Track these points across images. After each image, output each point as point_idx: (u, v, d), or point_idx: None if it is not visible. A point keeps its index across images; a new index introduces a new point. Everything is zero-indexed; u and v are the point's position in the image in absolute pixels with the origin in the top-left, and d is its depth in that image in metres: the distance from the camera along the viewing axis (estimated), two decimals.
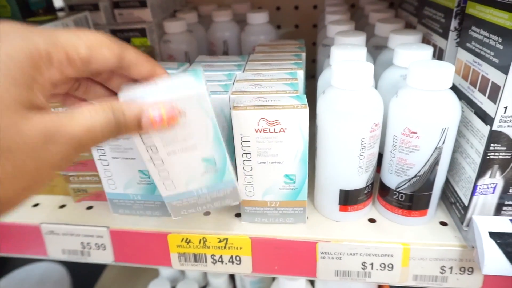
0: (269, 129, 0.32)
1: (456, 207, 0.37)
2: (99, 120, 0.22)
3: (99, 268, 0.82)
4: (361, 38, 0.42)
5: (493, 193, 0.33)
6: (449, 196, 0.38)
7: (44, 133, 0.19)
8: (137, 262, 0.40)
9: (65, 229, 0.40)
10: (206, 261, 0.38)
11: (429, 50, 0.36)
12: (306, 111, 0.31)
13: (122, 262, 0.40)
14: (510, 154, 0.31)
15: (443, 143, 0.32)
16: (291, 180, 0.35)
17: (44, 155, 0.20)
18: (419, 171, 0.34)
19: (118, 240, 0.39)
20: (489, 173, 0.32)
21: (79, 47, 0.22)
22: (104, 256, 0.40)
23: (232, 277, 0.63)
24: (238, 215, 0.39)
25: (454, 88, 0.33)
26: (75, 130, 0.20)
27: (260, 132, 0.33)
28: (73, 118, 0.21)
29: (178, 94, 0.26)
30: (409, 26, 0.53)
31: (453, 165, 0.37)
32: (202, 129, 0.28)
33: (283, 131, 0.32)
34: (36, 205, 0.43)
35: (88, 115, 0.21)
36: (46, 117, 0.20)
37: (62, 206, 0.43)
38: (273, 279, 0.59)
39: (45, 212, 0.42)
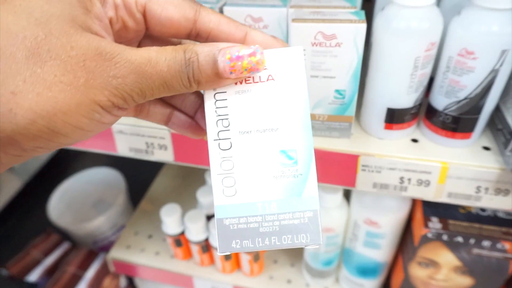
0: (325, 43, 0.34)
1: (502, 133, 0.37)
2: (165, 54, 0.19)
3: (150, 176, 0.91)
4: None
5: None
6: (497, 123, 0.39)
7: (99, 49, 0.18)
8: (194, 163, 0.45)
9: (132, 130, 0.45)
10: None
11: None
12: (363, 26, 0.32)
13: (181, 162, 0.45)
14: None
15: (501, 65, 0.32)
16: (341, 96, 0.37)
17: (98, 72, 0.18)
18: (470, 94, 0.34)
19: (178, 141, 0.44)
20: None
21: None
22: (165, 156, 0.46)
23: None
24: None
25: None
26: (135, 55, 0.19)
27: (316, 46, 0.34)
28: (135, 49, 0.19)
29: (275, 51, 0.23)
30: None
31: (508, 91, 0.37)
32: (290, 103, 0.23)
33: (339, 45, 0.33)
34: None
35: (154, 49, 0.19)
36: (104, 40, 0.19)
37: None
38: None
39: None
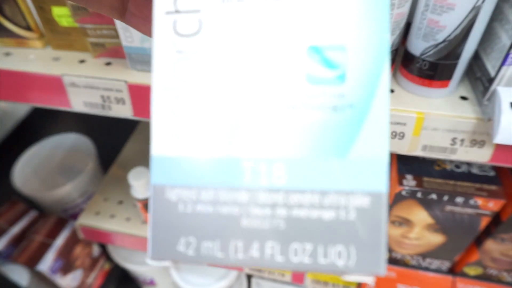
0: None
1: (481, 82, 0.35)
2: None
3: (121, 142, 0.87)
4: None
5: None
6: (475, 71, 0.36)
7: None
8: None
9: (85, 82, 0.41)
10: None
11: None
12: None
13: (140, 117, 0.42)
14: None
15: (482, 2, 0.29)
16: None
17: None
18: (450, 35, 0.31)
19: (136, 95, 0.40)
20: None
21: None
22: (123, 111, 0.42)
23: None
24: None
25: None
26: None
27: None
28: None
29: None
30: None
31: (488, 35, 0.34)
32: None
33: None
34: (56, 59, 0.44)
35: None
36: None
37: (82, 61, 0.43)
38: None
39: (65, 65, 0.43)
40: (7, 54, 0.45)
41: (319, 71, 0.10)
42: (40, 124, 1.04)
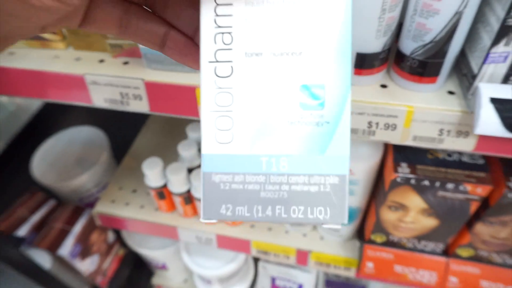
0: None
1: (466, 78, 0.38)
2: None
3: (133, 134, 0.91)
4: None
5: (504, 62, 0.35)
6: (462, 68, 0.40)
7: None
8: (169, 112, 0.46)
9: (105, 80, 0.45)
10: None
11: None
12: None
13: (156, 112, 0.46)
14: None
15: (464, 7, 0.33)
16: None
17: None
18: (436, 37, 0.35)
19: (152, 91, 0.44)
20: (504, 41, 0.33)
21: None
22: (141, 106, 0.46)
23: None
24: None
25: None
26: None
27: None
28: None
29: None
30: None
31: (473, 36, 0.37)
32: (323, 19, 0.16)
33: None
34: (78, 59, 0.48)
35: None
36: None
37: (101, 61, 0.47)
38: None
39: (86, 65, 0.47)
40: (30, 54, 0.49)
41: (307, 100, 0.17)
42: (53, 117, 1.08)
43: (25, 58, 0.48)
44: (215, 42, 0.17)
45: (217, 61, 0.17)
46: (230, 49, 0.17)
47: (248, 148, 0.17)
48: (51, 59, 0.48)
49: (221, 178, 0.17)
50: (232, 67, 0.17)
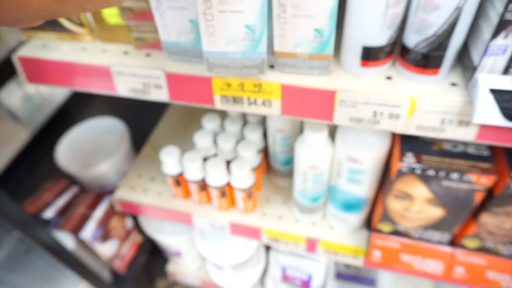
0: None
1: (468, 70, 0.40)
2: None
3: (152, 125, 0.95)
4: None
5: (503, 54, 0.37)
6: (464, 60, 0.42)
7: None
8: (188, 101, 0.49)
9: (129, 71, 0.48)
10: (243, 103, 0.46)
11: None
12: None
13: (175, 100, 0.49)
14: None
15: (464, 3, 0.35)
16: (319, 34, 0.40)
17: None
18: (437, 31, 0.37)
19: (172, 81, 0.48)
20: (503, 34, 0.35)
21: None
22: (161, 95, 0.49)
23: (264, 134, 0.73)
24: (271, 67, 0.46)
25: None
26: None
27: None
28: None
29: None
30: None
31: (475, 30, 0.39)
32: None
33: None
34: (104, 51, 0.52)
35: None
36: None
37: (126, 53, 0.51)
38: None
39: (112, 56, 0.50)
40: (61, 46, 0.53)
41: (247, 30, 0.38)
42: (76, 109, 1.14)
43: (56, 50, 0.52)
44: (203, 5, 0.35)
45: (205, 13, 0.36)
46: (211, 8, 0.35)
47: (223, 48, 0.38)
48: (79, 51, 0.52)
49: (213, 59, 0.40)
50: (213, 16, 0.36)
